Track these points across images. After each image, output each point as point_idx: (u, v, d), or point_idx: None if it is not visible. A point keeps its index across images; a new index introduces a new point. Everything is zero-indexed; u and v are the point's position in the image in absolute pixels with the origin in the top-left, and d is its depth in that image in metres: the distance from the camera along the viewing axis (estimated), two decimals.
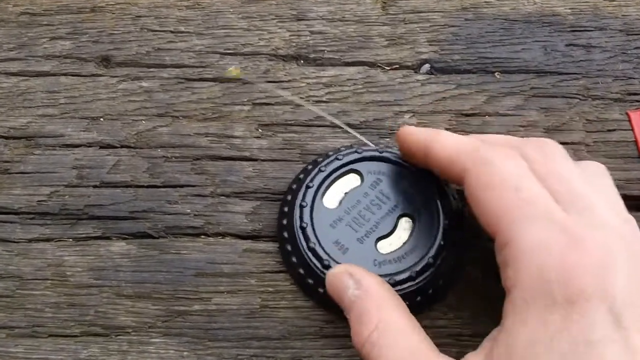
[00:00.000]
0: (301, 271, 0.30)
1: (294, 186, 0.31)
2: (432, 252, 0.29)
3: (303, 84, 0.36)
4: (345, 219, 0.30)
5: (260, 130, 0.35)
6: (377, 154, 0.31)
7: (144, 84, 0.36)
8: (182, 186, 0.33)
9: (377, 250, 0.29)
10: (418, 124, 0.35)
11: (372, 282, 0.26)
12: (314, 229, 0.29)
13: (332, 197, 0.31)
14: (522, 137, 0.34)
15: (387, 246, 0.30)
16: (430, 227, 0.30)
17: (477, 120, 0.35)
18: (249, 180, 0.33)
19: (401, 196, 0.30)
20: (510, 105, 0.36)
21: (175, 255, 0.31)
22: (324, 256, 0.29)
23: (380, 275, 0.28)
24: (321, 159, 0.32)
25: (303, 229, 0.29)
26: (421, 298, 0.29)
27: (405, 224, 0.30)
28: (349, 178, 0.31)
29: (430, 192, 0.30)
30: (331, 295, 0.27)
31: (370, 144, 0.32)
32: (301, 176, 0.32)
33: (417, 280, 0.29)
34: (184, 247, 0.32)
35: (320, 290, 0.29)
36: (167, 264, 0.31)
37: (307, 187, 0.30)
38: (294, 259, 0.30)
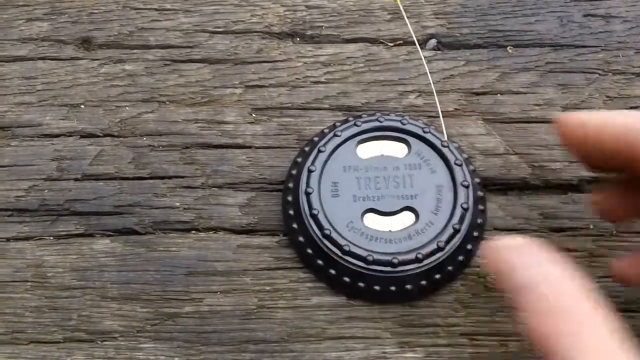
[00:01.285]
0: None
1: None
2: (444, 236, 0.27)
3: (299, 64, 0.34)
4: (360, 171, 0.29)
5: (253, 115, 0.33)
6: (438, 143, 0.29)
7: (127, 67, 0.34)
8: (170, 177, 0.31)
9: (361, 219, 0.28)
10: (424, 105, 0.33)
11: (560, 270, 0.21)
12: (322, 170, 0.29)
13: (368, 150, 0.30)
14: (537, 115, 0.32)
15: (374, 222, 0.28)
16: (446, 211, 0.28)
17: (489, 99, 0.33)
18: (242, 169, 0.31)
19: (425, 192, 0.29)
20: (524, 82, 0.33)
21: (163, 253, 0.29)
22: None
23: (373, 252, 0.27)
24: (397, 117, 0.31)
25: (309, 172, 0.29)
26: (426, 282, 0.28)
27: (405, 218, 0.28)
28: (397, 145, 0.30)
29: (452, 178, 0.29)
30: (490, 262, 0.22)
31: (445, 135, 0.30)
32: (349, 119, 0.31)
33: (423, 263, 0.27)
34: (173, 243, 0.30)
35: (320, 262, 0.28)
36: (155, 262, 0.29)
37: (335, 134, 0.30)
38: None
